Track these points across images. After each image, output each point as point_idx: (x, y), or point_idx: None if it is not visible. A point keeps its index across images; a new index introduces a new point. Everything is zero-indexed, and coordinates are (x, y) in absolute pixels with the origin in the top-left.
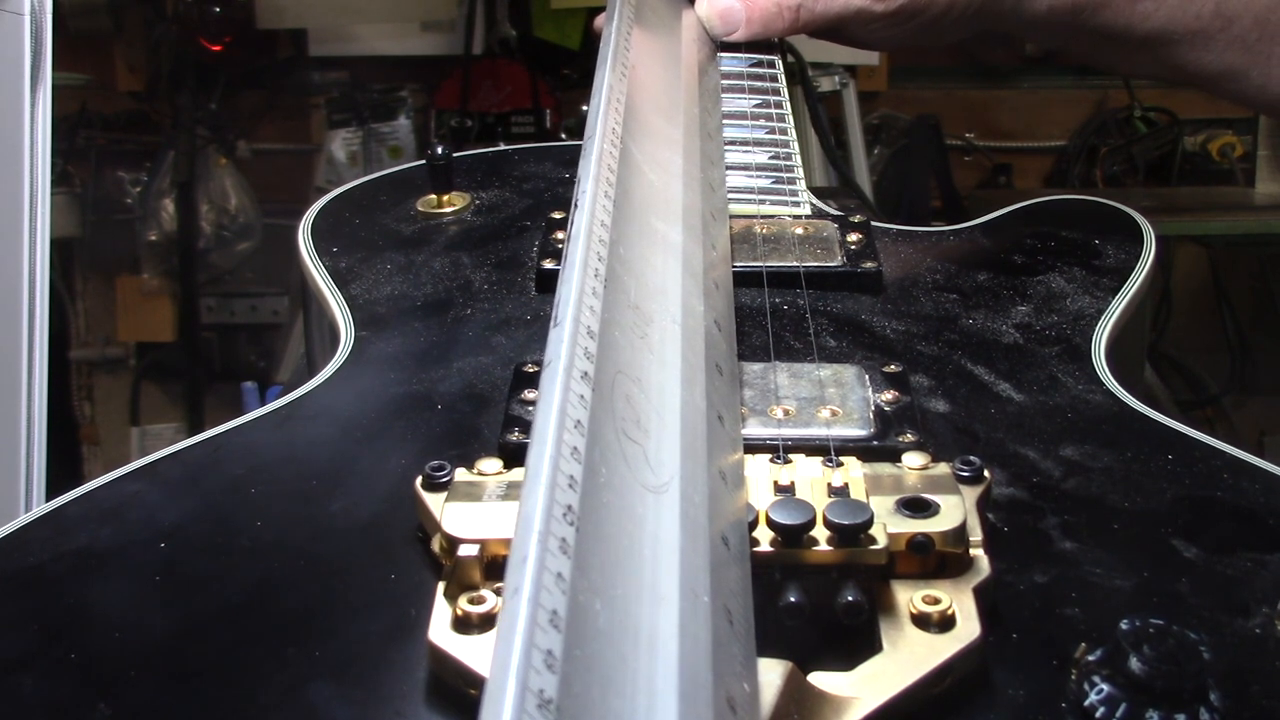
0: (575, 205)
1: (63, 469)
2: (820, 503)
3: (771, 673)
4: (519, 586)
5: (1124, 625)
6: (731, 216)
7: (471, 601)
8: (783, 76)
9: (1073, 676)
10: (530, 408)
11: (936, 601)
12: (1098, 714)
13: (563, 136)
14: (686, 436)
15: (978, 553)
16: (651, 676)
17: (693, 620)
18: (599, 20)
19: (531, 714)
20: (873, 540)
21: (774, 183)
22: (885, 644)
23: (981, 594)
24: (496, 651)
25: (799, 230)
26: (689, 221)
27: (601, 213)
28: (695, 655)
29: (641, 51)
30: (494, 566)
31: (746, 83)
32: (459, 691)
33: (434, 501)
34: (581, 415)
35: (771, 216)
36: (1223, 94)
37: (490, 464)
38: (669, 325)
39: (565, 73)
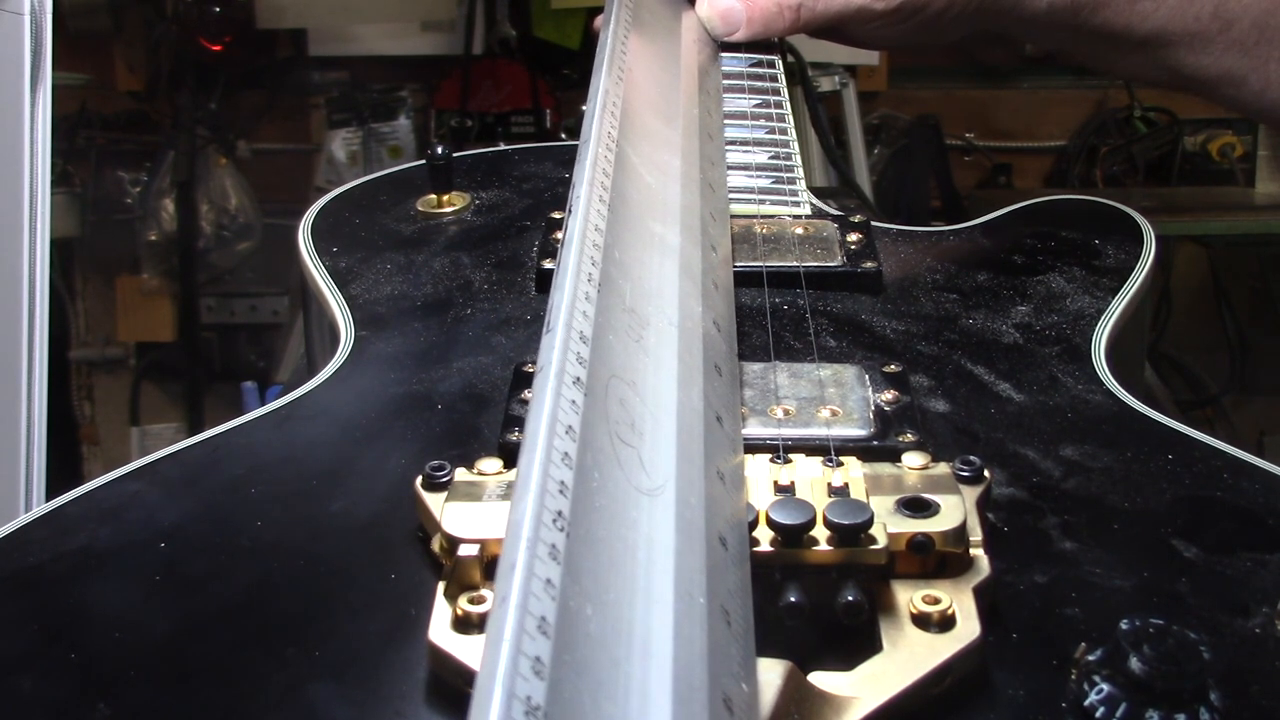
0: (569, 211)
1: (63, 469)
2: (820, 503)
3: (771, 673)
4: (507, 594)
5: (1124, 625)
6: (731, 216)
7: (471, 601)
8: (783, 76)
9: (1073, 676)
10: None
11: (936, 601)
12: (1098, 714)
13: (562, 136)
14: (683, 438)
15: (978, 553)
16: (645, 680)
17: (688, 622)
18: (598, 20)
19: None
20: (873, 540)
21: (774, 182)
22: (885, 644)
23: (981, 594)
24: (484, 659)
25: (799, 230)
26: (687, 223)
27: (596, 217)
28: (690, 657)
29: (639, 54)
30: (494, 566)
31: (746, 83)
32: (459, 691)
33: (434, 501)
34: (573, 420)
35: (771, 216)
36: (1221, 100)
37: (490, 464)
38: (665, 327)
39: (565, 72)
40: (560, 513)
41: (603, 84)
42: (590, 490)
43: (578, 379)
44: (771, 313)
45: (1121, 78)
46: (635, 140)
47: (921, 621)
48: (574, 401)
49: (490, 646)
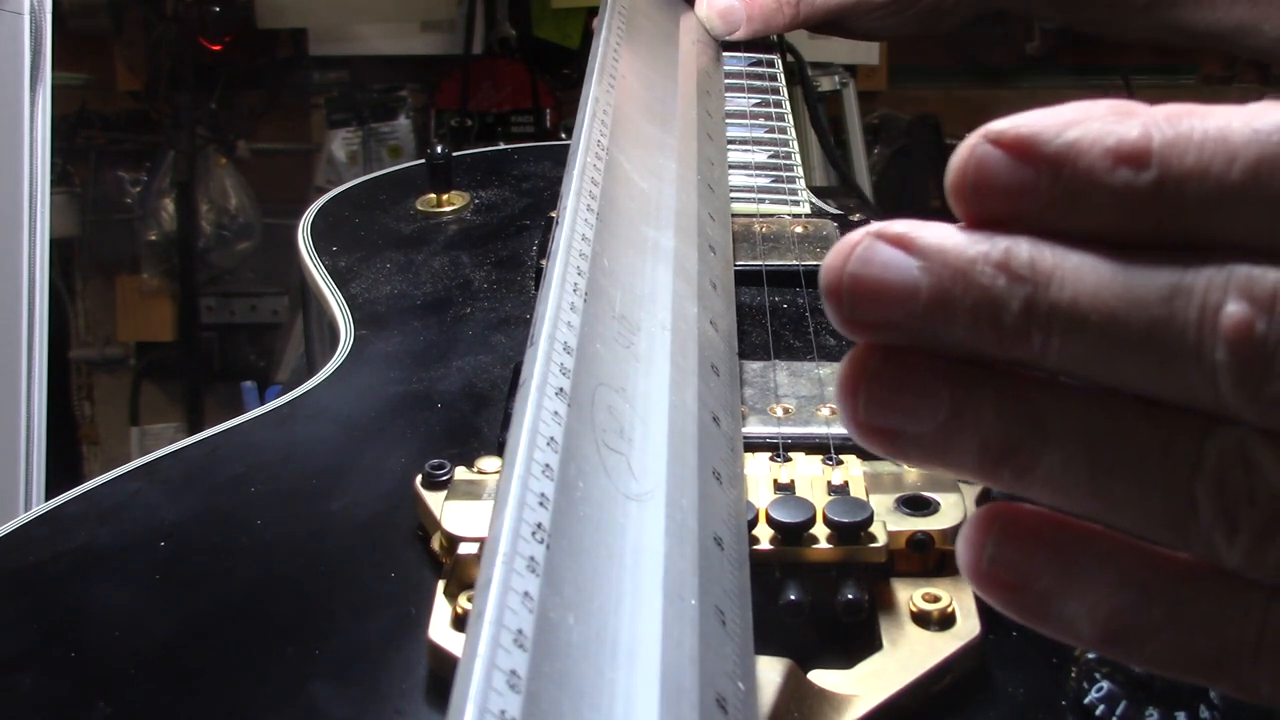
0: (556, 222)
1: (62, 469)
2: (820, 501)
3: (771, 671)
4: (481, 610)
5: None
6: (731, 216)
7: (471, 600)
8: (782, 75)
9: (1072, 674)
10: None
11: (936, 599)
12: (1098, 711)
13: (562, 136)
14: (675, 441)
15: None
16: (630, 684)
17: (677, 624)
18: (598, 21)
19: None
20: (872, 538)
21: (773, 181)
22: (885, 642)
23: None
24: (457, 676)
25: (798, 229)
26: (682, 225)
27: (583, 226)
28: (679, 659)
29: (634, 60)
30: None
31: (746, 82)
32: None
33: (434, 500)
34: (555, 432)
35: (771, 215)
36: (1244, 51)
37: (490, 462)
38: (657, 331)
39: (565, 72)
40: (540, 525)
41: (592, 93)
42: (573, 500)
43: (560, 390)
44: (771, 311)
45: (1137, 43)
46: (627, 146)
47: (921, 619)
48: (556, 413)
49: (463, 663)
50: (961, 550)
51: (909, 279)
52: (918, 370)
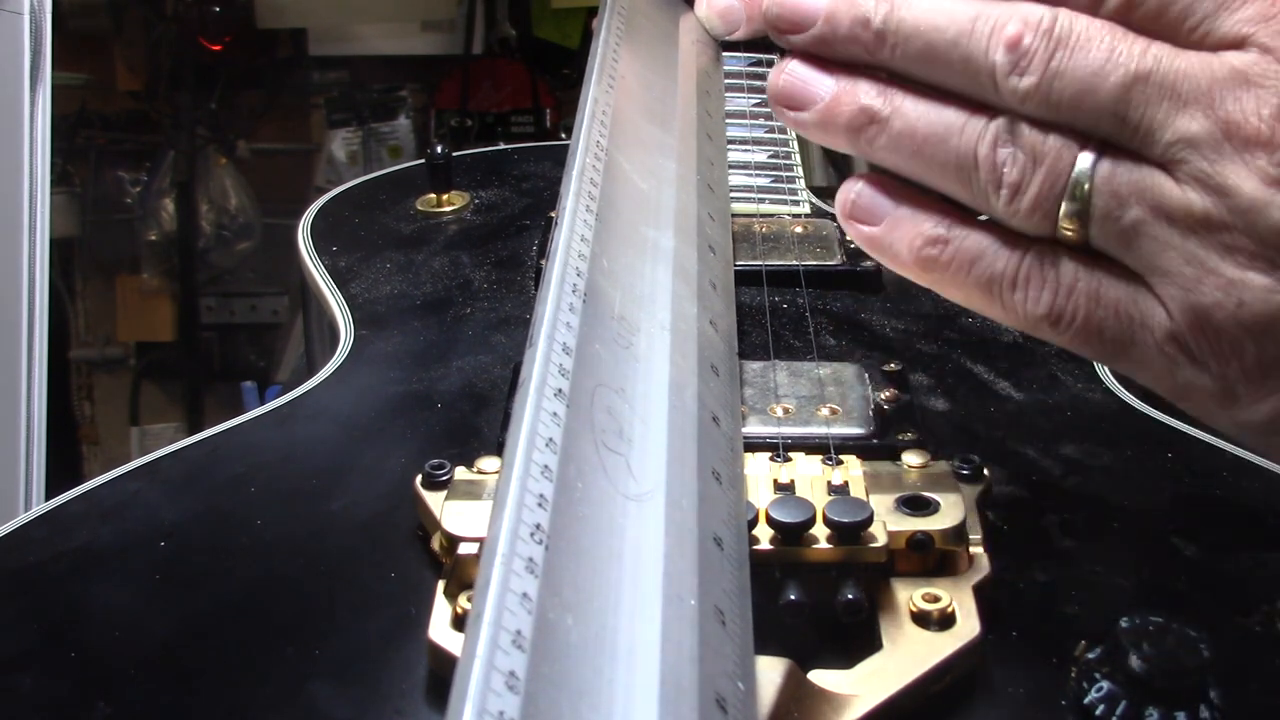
0: (555, 224)
1: (63, 469)
2: (820, 501)
3: (771, 671)
4: (480, 612)
5: (1124, 623)
6: (731, 216)
7: (471, 600)
8: None
9: (1072, 674)
10: None
11: (936, 599)
12: (1098, 711)
13: (562, 136)
14: (674, 441)
15: (977, 551)
16: (629, 685)
17: (677, 625)
18: (597, 21)
19: None
20: (872, 538)
21: (773, 181)
22: (885, 642)
23: (981, 592)
24: (455, 678)
25: (798, 229)
26: (682, 225)
27: (582, 227)
28: (678, 659)
29: (633, 61)
30: None
31: (746, 81)
32: None
33: (434, 500)
34: (554, 433)
35: (771, 215)
36: None
37: (490, 462)
38: (657, 332)
39: (565, 72)
40: (539, 526)
41: (591, 94)
42: (572, 501)
43: (559, 391)
44: (771, 311)
45: None
46: (627, 147)
47: (921, 619)
48: (555, 414)
49: (462, 663)
50: (840, 197)
51: (817, 4)
52: (817, 62)
